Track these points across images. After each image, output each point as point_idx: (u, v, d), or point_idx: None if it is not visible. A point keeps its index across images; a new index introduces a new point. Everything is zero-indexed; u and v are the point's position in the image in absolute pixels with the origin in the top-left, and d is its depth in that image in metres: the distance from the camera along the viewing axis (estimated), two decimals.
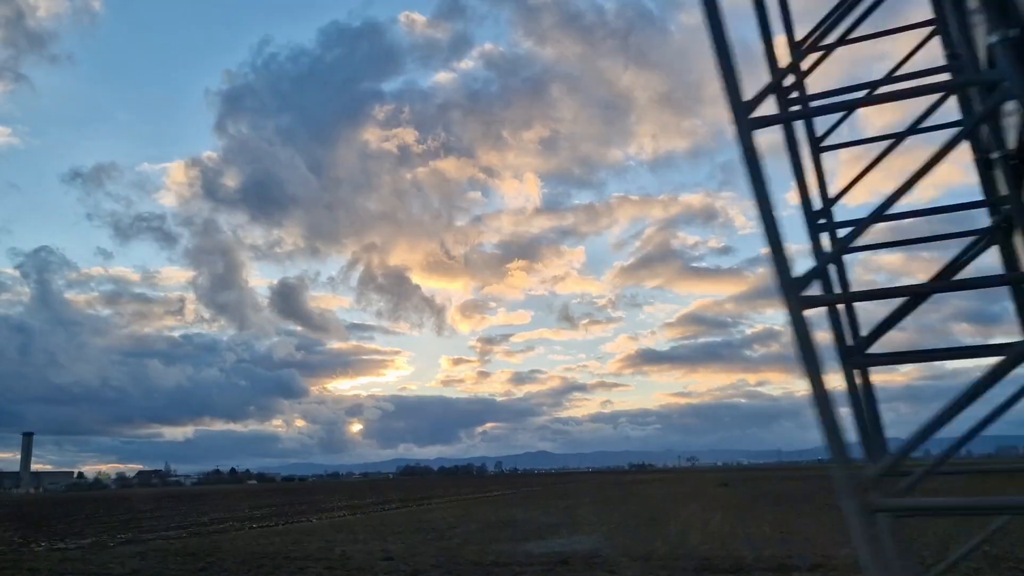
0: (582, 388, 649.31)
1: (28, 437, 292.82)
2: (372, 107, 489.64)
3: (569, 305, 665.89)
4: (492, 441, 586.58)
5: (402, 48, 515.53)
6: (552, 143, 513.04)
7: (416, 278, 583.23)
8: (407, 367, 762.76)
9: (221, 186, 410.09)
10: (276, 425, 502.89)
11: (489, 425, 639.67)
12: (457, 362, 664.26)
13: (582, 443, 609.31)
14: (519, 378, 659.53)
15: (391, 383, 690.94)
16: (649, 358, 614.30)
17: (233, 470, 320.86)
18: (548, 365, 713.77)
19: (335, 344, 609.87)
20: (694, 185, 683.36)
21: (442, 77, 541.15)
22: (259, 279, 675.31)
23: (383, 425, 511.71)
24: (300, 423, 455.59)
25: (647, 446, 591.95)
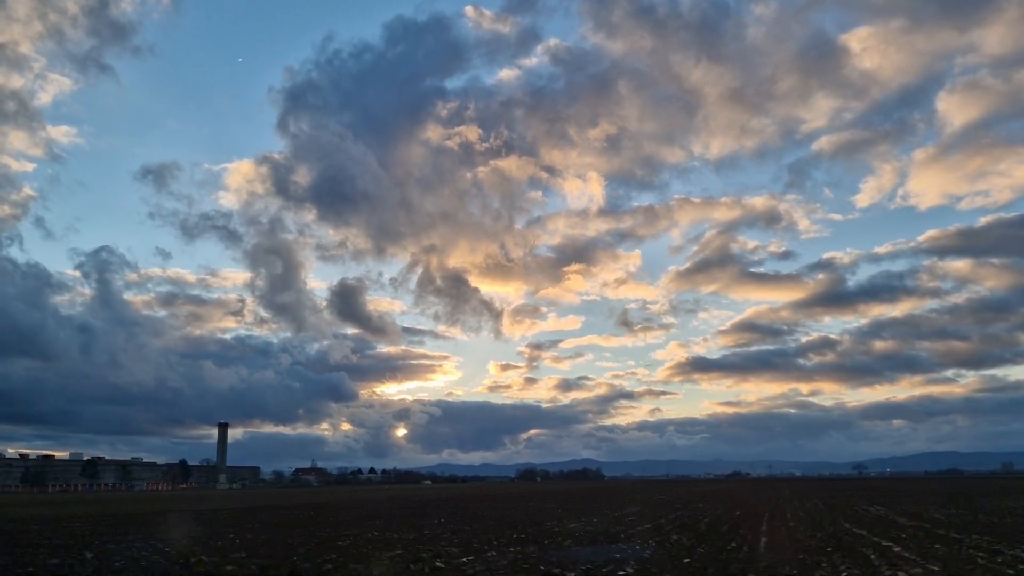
0: (629, 396, 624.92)
1: (223, 428, 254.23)
2: (435, 104, 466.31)
3: (621, 311, 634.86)
4: (536, 448, 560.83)
5: (467, 44, 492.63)
6: (617, 142, 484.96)
7: (474, 281, 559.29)
8: (455, 372, 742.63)
9: (286, 185, 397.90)
10: (323, 428, 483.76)
11: (533, 432, 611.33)
12: (505, 368, 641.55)
13: (628, 451, 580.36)
14: (566, 385, 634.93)
15: (438, 388, 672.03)
16: (700, 366, 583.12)
17: (378, 469, 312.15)
18: (596, 372, 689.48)
19: (386, 348, 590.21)
20: (758, 187, 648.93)
21: (506, 74, 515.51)
22: (319, 280, 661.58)
23: (428, 430, 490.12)
24: (346, 427, 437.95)
25: (694, 455, 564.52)
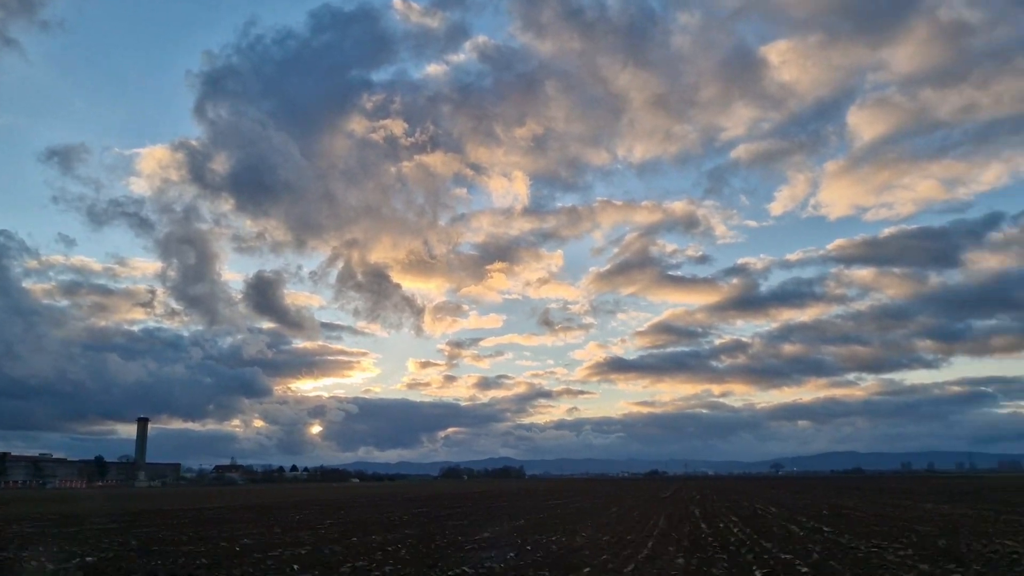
0: (548, 395, 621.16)
1: (143, 423, 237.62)
2: (360, 96, 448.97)
3: (543, 310, 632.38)
4: (454, 446, 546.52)
5: (395, 36, 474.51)
6: (543, 142, 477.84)
7: (396, 277, 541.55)
8: (374, 369, 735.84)
9: (203, 172, 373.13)
10: (234, 425, 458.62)
11: (451, 430, 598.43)
12: (424, 365, 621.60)
13: (545, 450, 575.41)
14: (485, 383, 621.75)
15: (356, 385, 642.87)
16: (617, 366, 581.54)
17: (295, 467, 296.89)
18: (516, 371, 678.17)
19: (303, 343, 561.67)
20: (679, 192, 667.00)
21: (434, 69, 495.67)
22: (234, 272, 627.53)
23: (344, 427, 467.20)
24: (259, 423, 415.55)
25: (609, 454, 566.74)
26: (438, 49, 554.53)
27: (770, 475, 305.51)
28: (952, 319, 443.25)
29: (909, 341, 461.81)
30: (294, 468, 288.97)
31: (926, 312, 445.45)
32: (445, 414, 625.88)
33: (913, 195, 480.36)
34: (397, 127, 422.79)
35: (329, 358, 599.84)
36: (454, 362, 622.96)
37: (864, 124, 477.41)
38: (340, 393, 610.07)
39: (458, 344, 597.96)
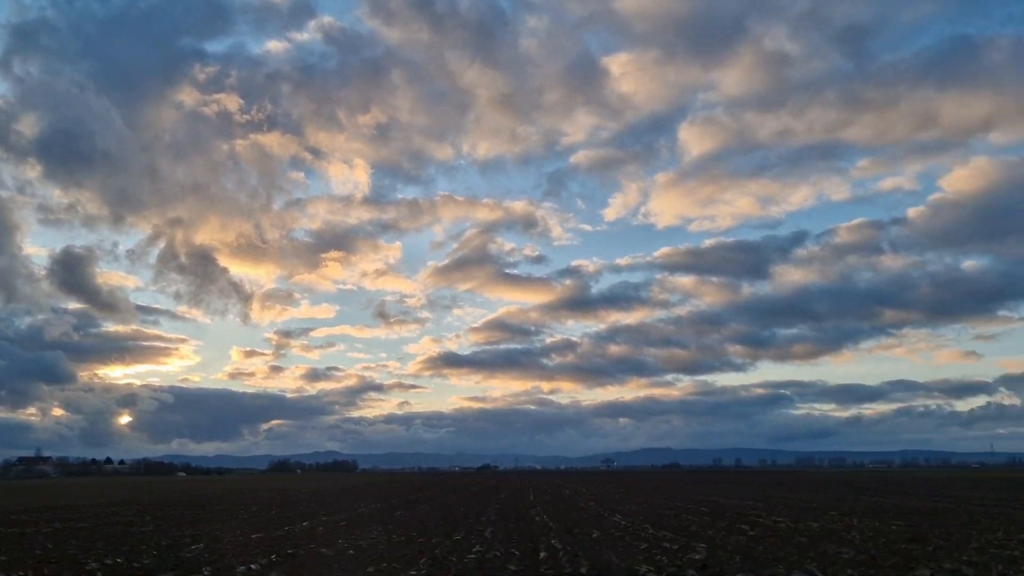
0: (379, 388, 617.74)
1: None
2: (192, 66, 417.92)
3: (377, 302, 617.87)
4: (277, 439, 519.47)
5: (233, 6, 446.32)
6: (386, 131, 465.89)
7: (223, 260, 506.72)
8: (193, 356, 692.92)
9: (6, 133, 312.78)
10: (30, 413, 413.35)
11: (275, 422, 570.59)
12: (249, 354, 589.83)
13: (373, 444, 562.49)
14: (314, 375, 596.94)
15: (172, 373, 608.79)
16: (450, 361, 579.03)
17: (104, 459, 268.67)
18: (347, 363, 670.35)
19: (114, 327, 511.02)
20: (519, 192, 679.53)
21: (275, 45, 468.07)
22: (38, 246, 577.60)
23: (157, 418, 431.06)
24: (59, 412, 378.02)
25: (439, 448, 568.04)
26: (280, 25, 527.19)
27: (602, 469, 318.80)
28: (760, 327, 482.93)
29: (722, 346, 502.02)
30: (109, 460, 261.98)
31: (738, 320, 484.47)
32: (269, 406, 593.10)
33: (733, 210, 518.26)
34: (232, 102, 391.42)
35: (144, 344, 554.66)
36: (282, 352, 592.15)
37: (693, 140, 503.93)
38: (155, 381, 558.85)
39: (287, 333, 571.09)
